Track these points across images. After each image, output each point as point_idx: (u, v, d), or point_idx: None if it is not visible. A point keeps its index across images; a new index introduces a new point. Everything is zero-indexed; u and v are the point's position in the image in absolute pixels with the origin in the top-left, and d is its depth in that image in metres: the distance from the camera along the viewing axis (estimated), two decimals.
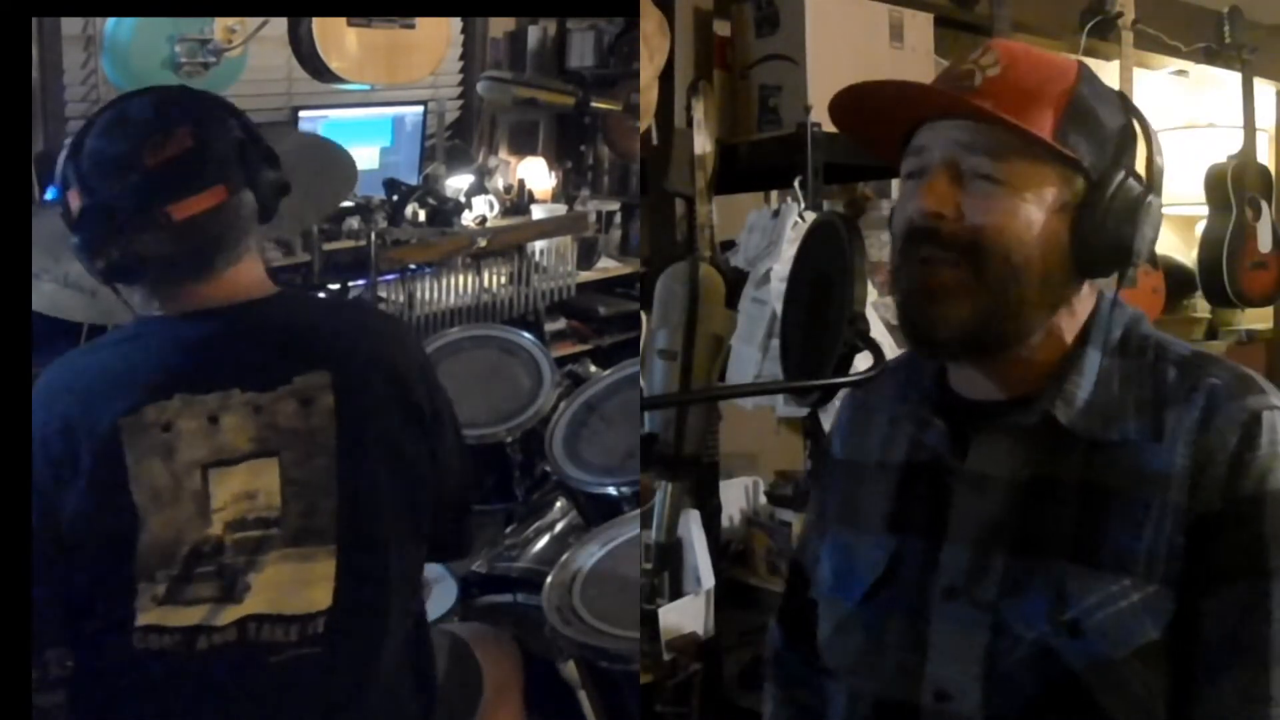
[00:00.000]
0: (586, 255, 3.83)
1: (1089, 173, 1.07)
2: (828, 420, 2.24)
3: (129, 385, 1.32)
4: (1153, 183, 1.11)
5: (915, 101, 1.11)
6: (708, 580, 2.28)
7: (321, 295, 2.85)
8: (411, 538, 1.44)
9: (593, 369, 2.62)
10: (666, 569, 2.28)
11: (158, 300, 1.39)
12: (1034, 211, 1.06)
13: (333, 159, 2.55)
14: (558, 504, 2.28)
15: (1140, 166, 1.12)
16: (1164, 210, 1.13)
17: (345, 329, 1.46)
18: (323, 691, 1.35)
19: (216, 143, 1.37)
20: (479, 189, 3.76)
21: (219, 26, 2.78)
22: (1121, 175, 1.08)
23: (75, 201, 1.35)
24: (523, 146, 4.13)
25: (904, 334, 1.12)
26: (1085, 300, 1.12)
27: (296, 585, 1.33)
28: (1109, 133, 1.09)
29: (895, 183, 3.08)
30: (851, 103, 1.14)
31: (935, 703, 1.08)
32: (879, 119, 1.14)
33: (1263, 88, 3.45)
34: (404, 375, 1.44)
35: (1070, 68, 1.11)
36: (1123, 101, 1.14)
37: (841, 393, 1.28)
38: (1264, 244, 3.33)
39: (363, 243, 3.03)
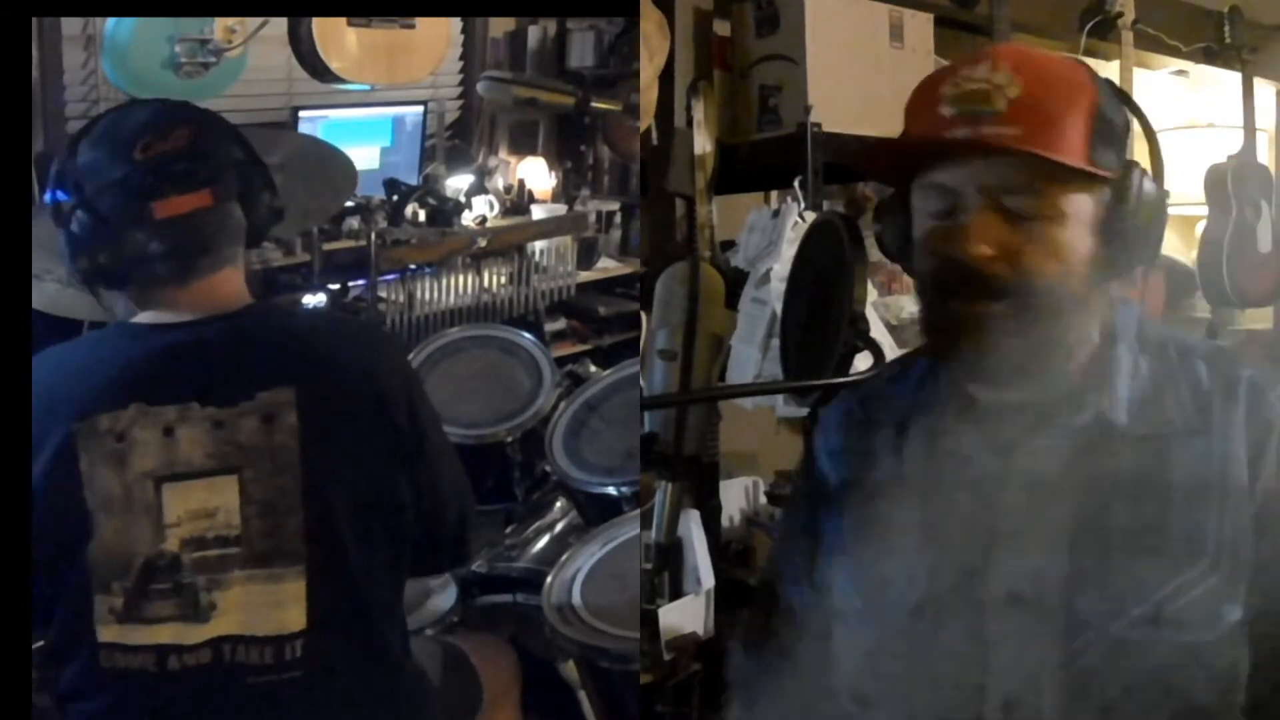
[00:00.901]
0: (586, 255, 3.83)
1: (1113, 180, 1.07)
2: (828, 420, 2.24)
3: (87, 390, 1.31)
4: (1159, 176, 1.10)
5: (949, 150, 1.07)
6: (708, 580, 2.27)
7: (308, 304, 2.84)
8: (388, 555, 1.41)
9: (593, 369, 2.61)
10: (666, 569, 2.28)
11: (137, 306, 1.39)
12: (1076, 237, 1.05)
13: (331, 163, 2.54)
14: (558, 504, 2.28)
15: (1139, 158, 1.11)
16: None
17: (316, 343, 1.43)
18: (308, 715, 1.33)
19: (210, 150, 1.37)
20: (479, 189, 3.76)
21: (219, 26, 2.78)
22: (1139, 176, 1.07)
23: (66, 199, 1.35)
24: (523, 146, 4.13)
25: (941, 363, 1.12)
26: (1101, 296, 1.11)
27: (267, 606, 1.31)
28: (1123, 134, 1.09)
29: None
30: (886, 155, 1.12)
31: (1002, 714, 1.05)
32: (902, 162, 1.12)
33: (1263, 88, 3.45)
34: (380, 390, 1.41)
35: (1086, 76, 1.08)
36: (1119, 94, 1.12)
37: (833, 406, 1.25)
38: (1264, 244, 3.33)
39: (363, 243, 3.02)
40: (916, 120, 1.11)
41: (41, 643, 1.37)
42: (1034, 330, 1.04)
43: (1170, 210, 1.13)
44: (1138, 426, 1.07)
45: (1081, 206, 1.05)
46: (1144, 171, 1.08)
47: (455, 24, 3.79)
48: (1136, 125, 1.12)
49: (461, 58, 3.99)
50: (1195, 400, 1.08)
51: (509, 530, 2.27)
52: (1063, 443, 1.08)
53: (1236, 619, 1.03)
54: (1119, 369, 1.09)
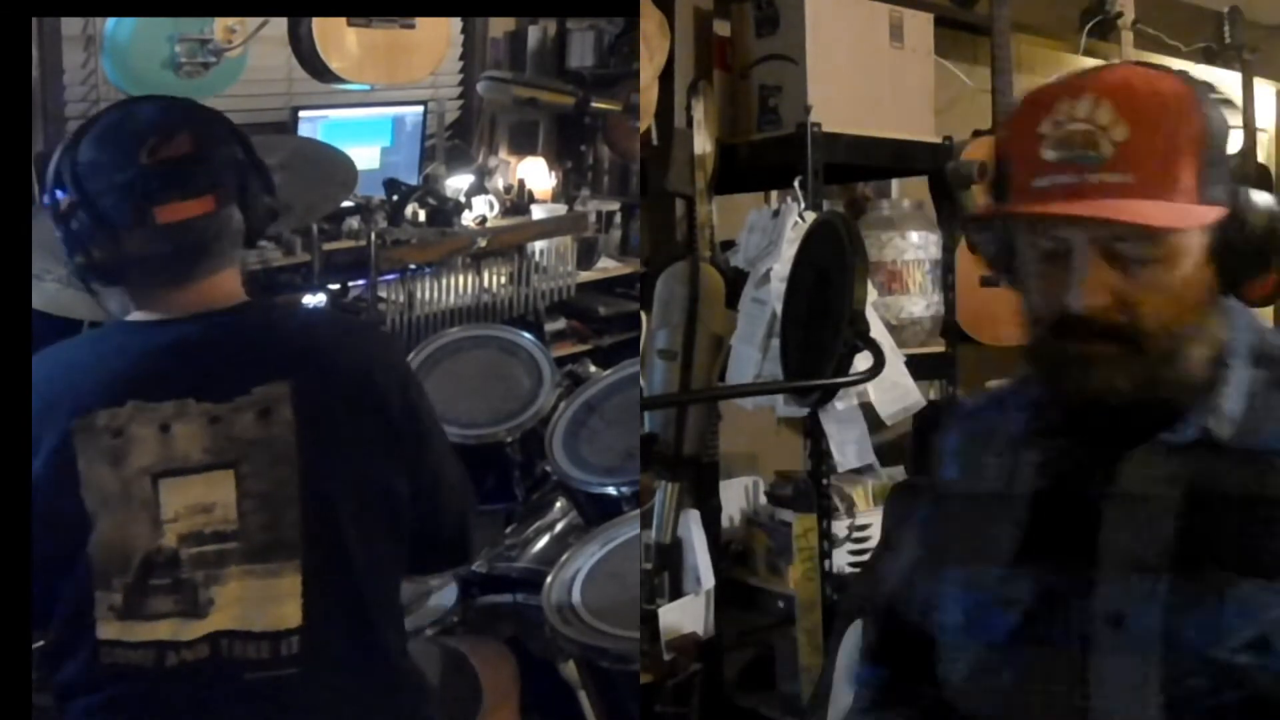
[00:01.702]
0: (586, 255, 3.83)
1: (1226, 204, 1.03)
2: (828, 420, 2.25)
3: (85, 388, 1.32)
4: (1266, 182, 1.08)
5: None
6: (708, 580, 2.28)
7: (307, 304, 2.84)
8: (386, 552, 1.40)
9: (593, 369, 2.61)
10: (666, 569, 2.28)
11: (133, 305, 1.39)
12: (1190, 273, 1.02)
13: (331, 161, 2.55)
14: (558, 504, 2.28)
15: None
16: None
17: (312, 339, 1.43)
18: (305, 712, 1.32)
19: (214, 154, 1.38)
20: (479, 189, 3.76)
21: (219, 26, 2.78)
22: (1246, 192, 1.03)
23: (65, 195, 1.35)
24: (523, 146, 4.13)
25: (1053, 398, 1.09)
26: (1219, 309, 1.08)
27: (263, 602, 1.31)
28: (1227, 149, 1.04)
29: (895, 183, 3.07)
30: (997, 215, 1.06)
31: None
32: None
33: (1263, 88, 3.45)
34: (377, 386, 1.41)
35: (1194, 100, 1.02)
36: (1222, 103, 1.09)
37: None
38: None
39: (363, 243, 3.02)
40: (1015, 158, 1.04)
41: (41, 642, 1.37)
42: (1149, 368, 1.02)
43: None
44: (1241, 444, 1.03)
45: (1194, 240, 1.02)
46: (1249, 190, 1.04)
47: (455, 24, 3.78)
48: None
49: (461, 58, 3.99)
50: None
51: (509, 530, 2.27)
52: (1164, 460, 1.04)
53: None
54: (1229, 383, 1.05)
